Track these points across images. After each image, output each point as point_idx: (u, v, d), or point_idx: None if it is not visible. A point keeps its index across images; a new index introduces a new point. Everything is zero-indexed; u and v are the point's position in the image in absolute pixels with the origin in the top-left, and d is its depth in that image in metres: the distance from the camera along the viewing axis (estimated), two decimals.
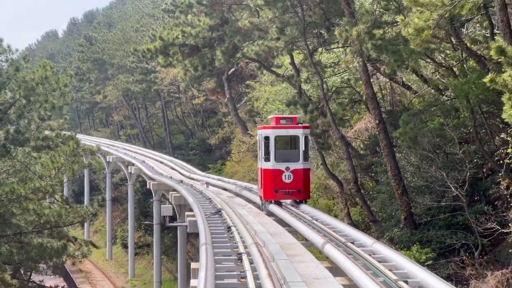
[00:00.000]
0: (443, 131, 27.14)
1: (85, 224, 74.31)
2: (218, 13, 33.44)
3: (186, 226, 27.23)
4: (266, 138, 26.48)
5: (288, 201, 26.86)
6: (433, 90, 30.06)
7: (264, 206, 27.38)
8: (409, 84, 33.94)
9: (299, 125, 26.85)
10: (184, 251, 47.46)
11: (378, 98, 34.48)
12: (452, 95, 26.80)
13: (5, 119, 25.97)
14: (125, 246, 69.94)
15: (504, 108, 15.47)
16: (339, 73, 35.51)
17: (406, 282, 12.74)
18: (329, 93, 34.03)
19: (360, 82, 31.73)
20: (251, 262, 15.08)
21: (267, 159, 26.40)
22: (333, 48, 35.86)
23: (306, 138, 26.62)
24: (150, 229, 65.82)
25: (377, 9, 27.62)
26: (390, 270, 13.52)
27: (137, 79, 76.17)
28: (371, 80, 34.12)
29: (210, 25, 33.96)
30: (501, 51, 14.61)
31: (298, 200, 26.46)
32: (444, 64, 29.09)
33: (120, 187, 78.88)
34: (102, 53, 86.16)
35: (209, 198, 31.35)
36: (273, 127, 26.71)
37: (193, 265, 17.07)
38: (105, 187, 77.90)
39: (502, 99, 16.25)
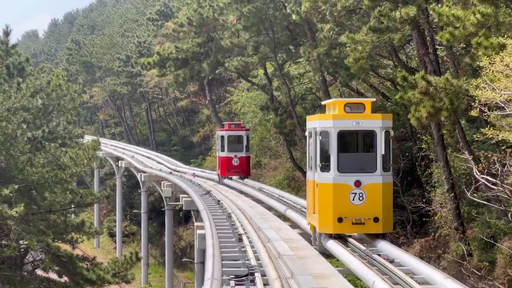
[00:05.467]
0: None
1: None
2: (205, 33, 40.54)
3: (182, 205, 34.45)
4: (222, 137, 39.33)
5: (236, 177, 39.23)
6: (381, 97, 37.34)
7: (221, 180, 40.12)
8: (362, 91, 40.93)
9: (243, 128, 40.24)
10: (171, 234, 53.37)
11: None
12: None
13: (36, 121, 32.47)
14: (112, 235, 73.41)
15: (409, 116, 22.71)
16: (304, 83, 42.58)
17: None
18: (295, 99, 41.02)
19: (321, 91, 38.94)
20: (237, 218, 22.23)
21: (222, 150, 39.18)
22: (300, 61, 42.92)
23: (247, 136, 39.79)
24: (135, 219, 70.91)
25: (333, 34, 34.71)
26: None
27: (124, 81, 79.39)
28: (332, 87, 41.43)
29: (198, 42, 41.00)
30: (404, 78, 21.74)
31: (242, 176, 39.19)
32: (386, 78, 36.37)
33: (105, 181, 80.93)
34: (90, 57, 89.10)
35: (199, 184, 38.46)
36: (226, 130, 39.68)
37: (197, 223, 24.21)
38: (91, 181, 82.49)
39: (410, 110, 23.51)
